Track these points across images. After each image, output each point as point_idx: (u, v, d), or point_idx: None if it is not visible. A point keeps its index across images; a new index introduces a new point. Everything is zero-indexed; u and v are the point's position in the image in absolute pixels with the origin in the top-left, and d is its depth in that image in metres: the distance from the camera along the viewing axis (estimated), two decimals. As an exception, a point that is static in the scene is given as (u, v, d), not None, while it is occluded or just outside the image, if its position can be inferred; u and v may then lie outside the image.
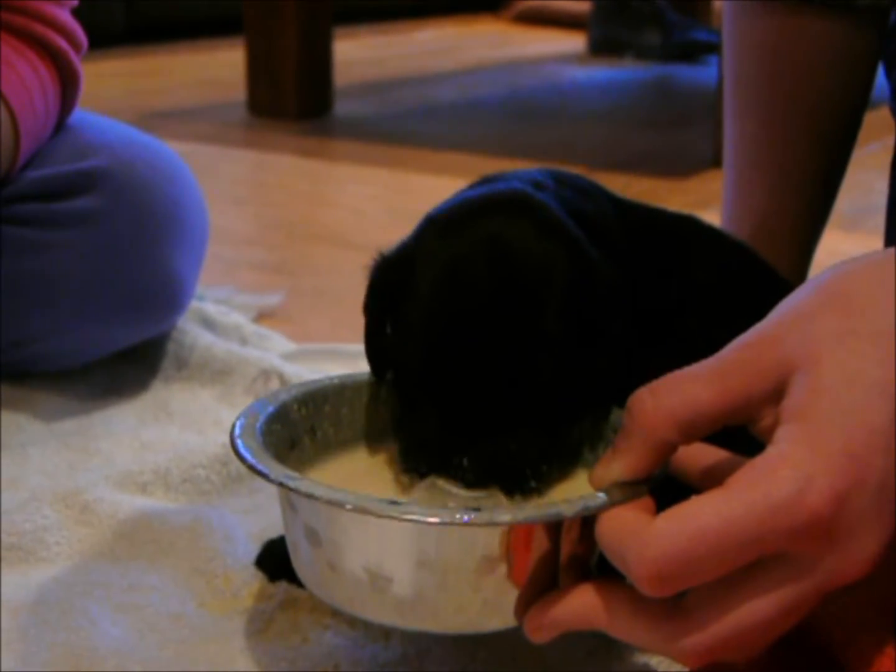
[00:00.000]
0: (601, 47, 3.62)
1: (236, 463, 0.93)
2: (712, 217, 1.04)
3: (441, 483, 0.66)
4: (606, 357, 0.66)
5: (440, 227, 0.67)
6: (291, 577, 0.76)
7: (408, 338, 0.66)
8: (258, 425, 0.67)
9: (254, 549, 0.81)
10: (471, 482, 0.65)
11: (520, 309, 0.63)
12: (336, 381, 0.74)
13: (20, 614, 0.75)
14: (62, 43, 1.06)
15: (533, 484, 0.66)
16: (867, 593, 0.57)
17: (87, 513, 0.86)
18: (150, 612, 0.76)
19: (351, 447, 0.73)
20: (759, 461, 0.53)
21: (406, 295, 0.66)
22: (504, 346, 0.63)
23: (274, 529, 0.82)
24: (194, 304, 1.20)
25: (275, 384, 1.09)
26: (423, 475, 0.66)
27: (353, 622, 0.74)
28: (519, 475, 0.65)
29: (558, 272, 0.64)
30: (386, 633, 0.73)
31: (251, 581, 0.79)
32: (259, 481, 0.92)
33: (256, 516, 0.87)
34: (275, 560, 0.79)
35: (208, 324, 1.21)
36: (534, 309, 0.63)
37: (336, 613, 0.75)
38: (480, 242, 0.65)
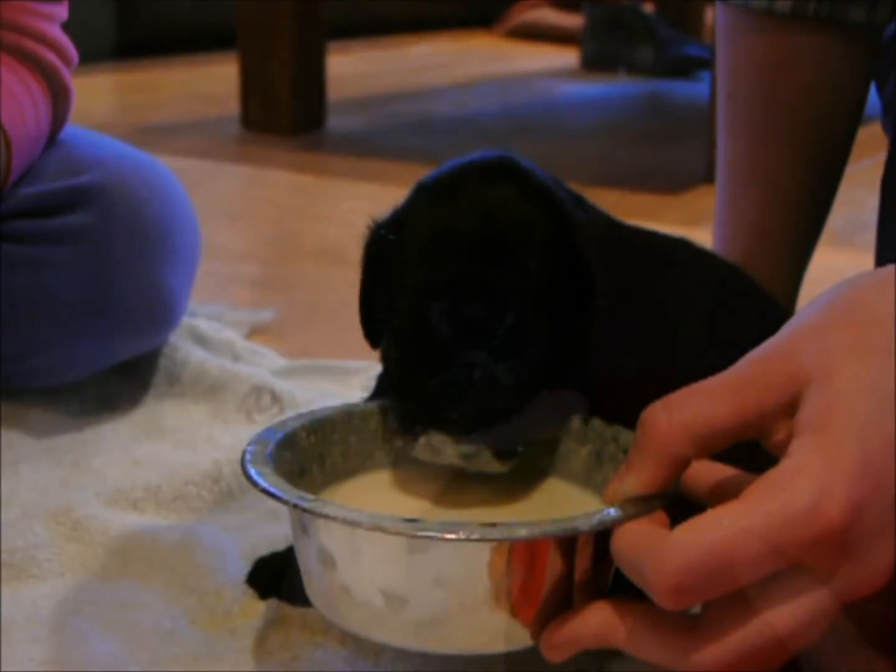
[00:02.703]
0: (594, 62, 3.63)
1: (227, 479, 0.94)
2: (705, 232, 1.04)
3: (435, 441, 0.68)
4: (586, 313, 0.68)
5: (431, 191, 0.70)
6: (282, 595, 0.77)
7: (402, 285, 0.68)
8: (268, 452, 0.67)
9: (245, 567, 0.81)
10: (462, 432, 0.67)
11: (506, 257, 0.66)
12: (344, 408, 0.75)
13: (11, 631, 0.75)
14: (53, 58, 1.06)
15: (520, 449, 0.68)
16: (850, 621, 0.57)
17: (79, 530, 0.86)
18: (140, 629, 0.76)
19: (359, 475, 0.73)
20: (775, 473, 0.53)
21: (399, 252, 0.69)
22: (493, 285, 0.66)
23: (265, 547, 0.82)
24: (186, 320, 1.20)
25: (267, 400, 1.09)
26: (417, 435, 0.68)
27: (343, 640, 0.74)
28: (504, 430, 0.66)
29: (543, 229, 0.67)
30: (376, 652, 0.73)
31: (242, 598, 0.78)
32: (250, 499, 0.92)
33: (247, 533, 0.87)
34: (266, 577, 0.79)
35: (200, 340, 1.20)
36: (519, 256, 0.66)
37: (327, 631, 0.75)
38: (470, 201, 0.68)
